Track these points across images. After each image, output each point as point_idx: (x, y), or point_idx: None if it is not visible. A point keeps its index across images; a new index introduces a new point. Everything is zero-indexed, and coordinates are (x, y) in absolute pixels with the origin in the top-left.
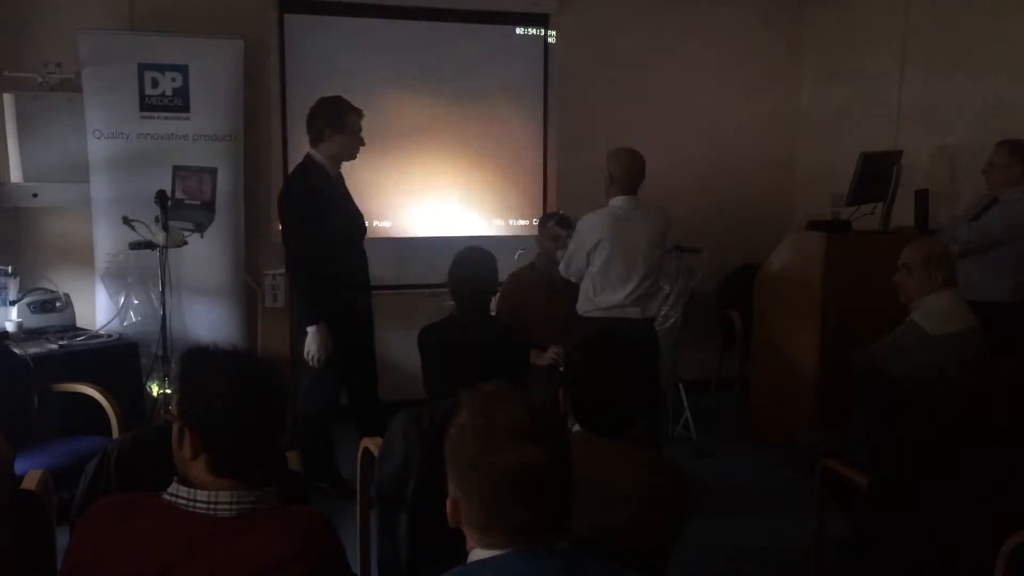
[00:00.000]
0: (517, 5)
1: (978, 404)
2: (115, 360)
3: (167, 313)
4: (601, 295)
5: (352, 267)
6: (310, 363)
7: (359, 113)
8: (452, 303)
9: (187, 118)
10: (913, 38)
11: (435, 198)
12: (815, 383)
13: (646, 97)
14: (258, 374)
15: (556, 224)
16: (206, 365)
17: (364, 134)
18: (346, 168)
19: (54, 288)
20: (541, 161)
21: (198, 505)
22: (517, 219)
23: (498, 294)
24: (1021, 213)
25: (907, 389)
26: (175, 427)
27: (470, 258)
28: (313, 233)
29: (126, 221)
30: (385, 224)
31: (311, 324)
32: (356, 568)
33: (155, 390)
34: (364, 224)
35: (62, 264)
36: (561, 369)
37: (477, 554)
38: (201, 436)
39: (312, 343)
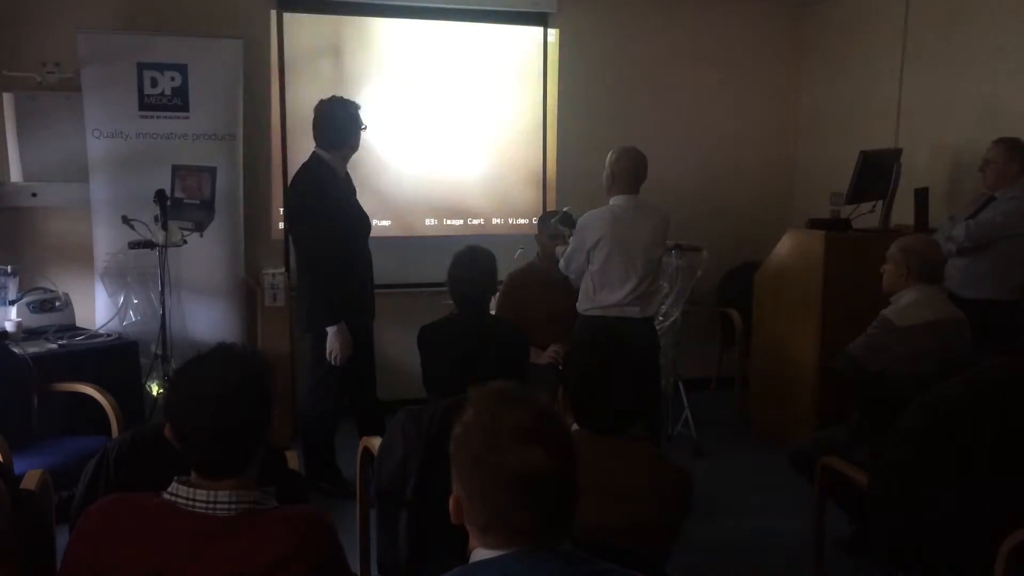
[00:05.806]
0: (517, 5)
1: (978, 402)
2: (115, 360)
3: (167, 313)
4: (601, 293)
5: (359, 266)
6: (333, 363)
7: (364, 128)
8: (452, 302)
9: (186, 117)
10: (913, 38)
11: (435, 197)
12: (815, 382)
13: (646, 96)
14: (235, 376)
15: (559, 222)
16: (191, 363)
17: (363, 133)
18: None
19: (54, 288)
20: (541, 161)
21: (197, 505)
22: (517, 218)
23: (498, 294)
24: (1018, 210)
25: (892, 384)
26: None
27: (470, 258)
28: (327, 232)
29: (125, 220)
30: (385, 223)
31: (332, 324)
32: (356, 568)
33: (155, 390)
34: (369, 223)
35: (62, 264)
36: (560, 368)
37: (479, 554)
38: (173, 430)
39: (335, 342)
